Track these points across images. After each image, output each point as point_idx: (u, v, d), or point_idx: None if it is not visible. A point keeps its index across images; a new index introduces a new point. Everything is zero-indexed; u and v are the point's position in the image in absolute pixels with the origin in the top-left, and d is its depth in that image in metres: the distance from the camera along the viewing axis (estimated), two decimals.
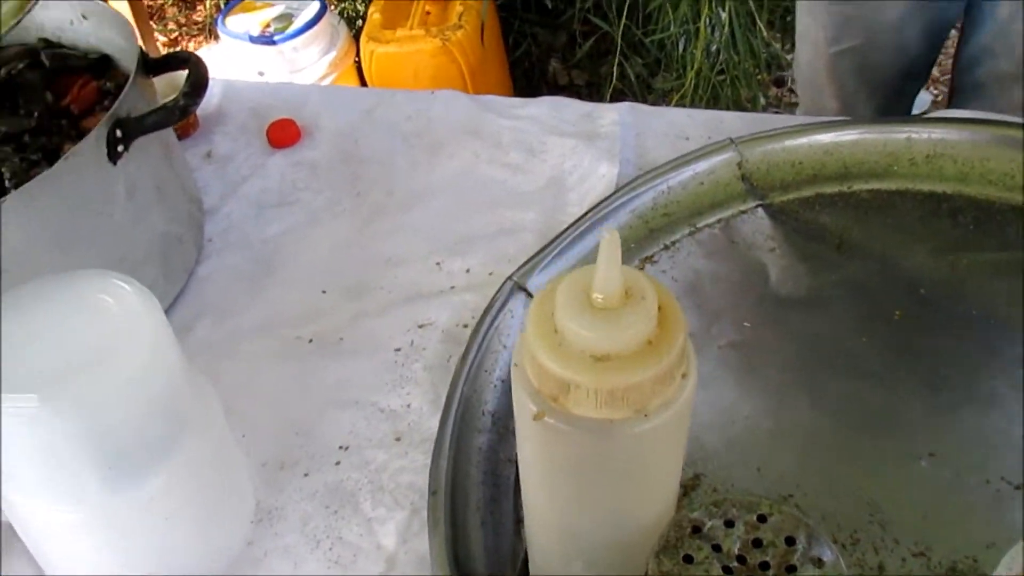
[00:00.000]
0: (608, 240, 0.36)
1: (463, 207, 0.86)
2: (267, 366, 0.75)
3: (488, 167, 0.89)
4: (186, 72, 0.72)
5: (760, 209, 0.79)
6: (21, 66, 0.82)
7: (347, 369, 0.74)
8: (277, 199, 0.89)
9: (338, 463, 0.68)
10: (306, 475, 0.67)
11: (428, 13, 1.89)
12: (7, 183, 0.71)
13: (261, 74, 1.89)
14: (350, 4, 2.11)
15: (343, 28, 1.98)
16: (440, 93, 0.98)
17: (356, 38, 2.00)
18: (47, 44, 0.85)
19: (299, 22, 1.88)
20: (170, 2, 2.40)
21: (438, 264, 0.81)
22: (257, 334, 0.77)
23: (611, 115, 0.90)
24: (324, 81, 1.90)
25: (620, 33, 1.86)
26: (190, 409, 0.56)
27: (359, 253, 0.83)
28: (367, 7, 2.09)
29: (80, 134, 0.78)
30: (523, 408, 0.41)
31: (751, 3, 1.76)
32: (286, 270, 0.82)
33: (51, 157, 0.74)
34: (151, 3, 2.40)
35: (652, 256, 0.78)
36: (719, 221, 0.79)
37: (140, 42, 0.82)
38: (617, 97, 1.95)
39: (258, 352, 0.76)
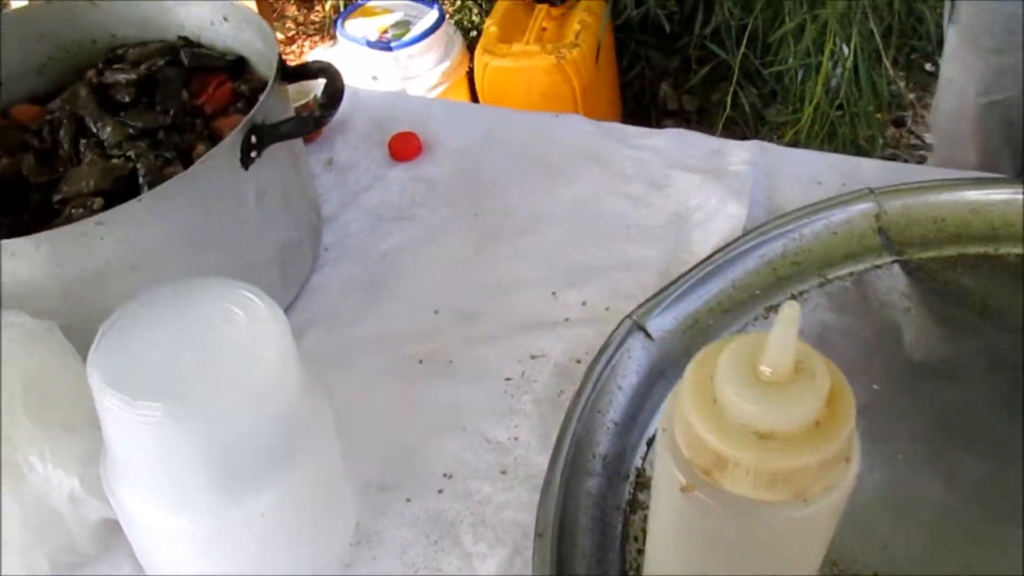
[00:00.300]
0: (788, 312, 0.33)
1: (581, 236, 0.84)
2: (375, 382, 0.74)
3: (609, 197, 0.87)
4: (322, 82, 0.72)
5: (896, 265, 0.76)
6: (161, 63, 0.83)
7: (456, 394, 0.73)
8: (395, 212, 0.88)
9: (441, 491, 0.67)
10: (408, 500, 0.66)
11: (544, 29, 1.88)
12: (141, 179, 0.72)
13: (375, 79, 1.90)
14: (466, 14, 2.12)
15: (458, 38, 1.98)
16: (563, 117, 0.96)
17: (469, 49, 2.00)
18: (186, 43, 0.86)
19: (416, 30, 1.89)
20: (292, 1, 2.44)
21: (553, 294, 0.79)
22: (367, 348, 0.77)
23: (741, 153, 0.87)
24: (436, 90, 1.90)
25: (738, 62, 1.82)
26: (307, 425, 0.55)
27: (473, 275, 0.82)
28: (483, 19, 2.10)
29: (212, 135, 0.79)
30: (669, 477, 0.38)
31: (878, 39, 1.70)
32: (400, 286, 0.82)
33: (184, 156, 0.75)
34: (273, 2, 2.44)
35: (777, 305, 0.75)
36: (851, 274, 0.76)
37: None
38: (728, 126, 1.91)
39: (367, 367, 0.75)
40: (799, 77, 1.82)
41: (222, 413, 0.49)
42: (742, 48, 1.82)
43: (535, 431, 0.69)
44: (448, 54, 1.94)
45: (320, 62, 0.75)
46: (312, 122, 0.70)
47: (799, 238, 0.77)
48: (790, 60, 1.77)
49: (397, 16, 1.94)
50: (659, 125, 2.18)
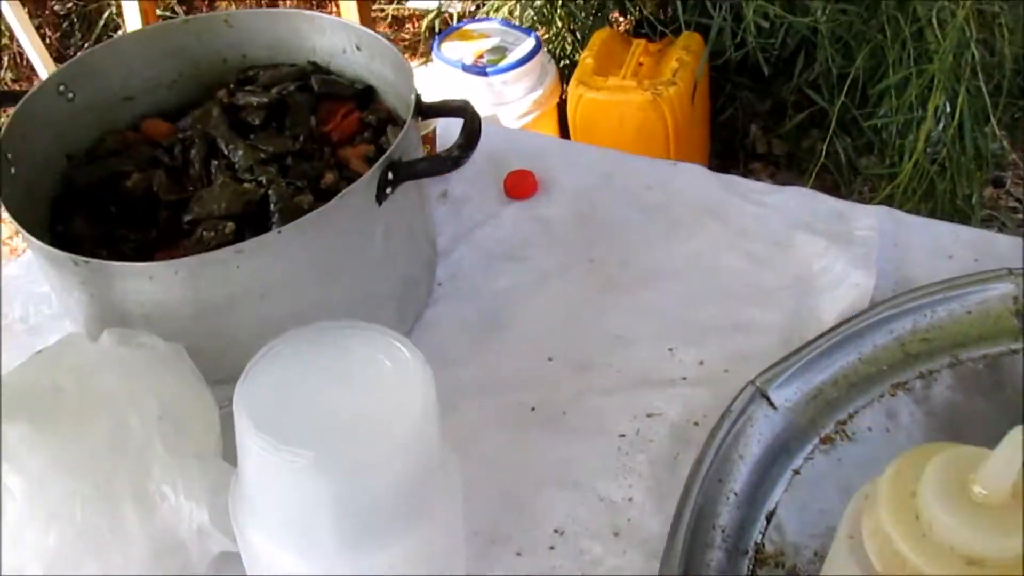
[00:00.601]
0: (1015, 436, 0.31)
1: (699, 292, 0.82)
2: (486, 427, 0.73)
3: (728, 254, 0.85)
4: (460, 121, 0.71)
5: None
6: (292, 87, 0.83)
7: (568, 447, 0.71)
8: (508, 251, 0.88)
9: (552, 548, 0.65)
10: (518, 554, 0.65)
11: (641, 64, 1.87)
12: (272, 207, 0.72)
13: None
14: (559, 44, 2.12)
15: (552, 68, 1.98)
16: (682, 166, 0.95)
17: (562, 78, 2.00)
18: (316, 68, 0.87)
19: (512, 57, 1.89)
20: (387, 20, 2.46)
21: (670, 351, 0.77)
22: (478, 391, 0.76)
23: (868, 219, 0.85)
24: (527, 118, 1.90)
25: (836, 111, 1.79)
26: (440, 479, 0.54)
27: (588, 324, 0.80)
28: (577, 49, 2.10)
29: (339, 163, 0.79)
30: None
31: (986, 98, 1.66)
32: (513, 328, 0.81)
33: (313, 185, 0.75)
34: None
35: (906, 383, 0.72)
36: (985, 357, 0.73)
37: None
38: (819, 175, 1.88)
39: (478, 411, 0.74)
40: (899, 131, 1.78)
41: (367, 466, 0.48)
42: (841, 97, 1.79)
43: (650, 493, 0.68)
44: (541, 83, 1.94)
45: (458, 101, 0.74)
46: (450, 163, 0.69)
47: (931, 315, 0.74)
48: (891, 113, 1.73)
49: (494, 41, 1.95)
50: (747, 167, 2.15)
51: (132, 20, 1.64)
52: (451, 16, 2.28)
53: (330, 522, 0.50)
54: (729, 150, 2.16)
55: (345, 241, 0.68)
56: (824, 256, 0.83)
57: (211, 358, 0.64)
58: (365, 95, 0.85)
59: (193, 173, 0.77)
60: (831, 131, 1.84)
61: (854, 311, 0.76)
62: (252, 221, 0.72)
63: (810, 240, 0.85)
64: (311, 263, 0.67)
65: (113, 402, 0.55)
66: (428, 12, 2.31)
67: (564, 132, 1.95)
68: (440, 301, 0.83)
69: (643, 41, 1.91)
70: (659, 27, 1.89)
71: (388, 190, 0.69)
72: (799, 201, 0.89)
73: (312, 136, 0.80)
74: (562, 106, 1.97)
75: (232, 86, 0.84)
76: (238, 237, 0.70)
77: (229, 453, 0.62)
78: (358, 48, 0.84)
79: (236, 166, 0.76)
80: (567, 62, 2.13)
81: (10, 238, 2.11)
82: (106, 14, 2.35)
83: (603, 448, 0.71)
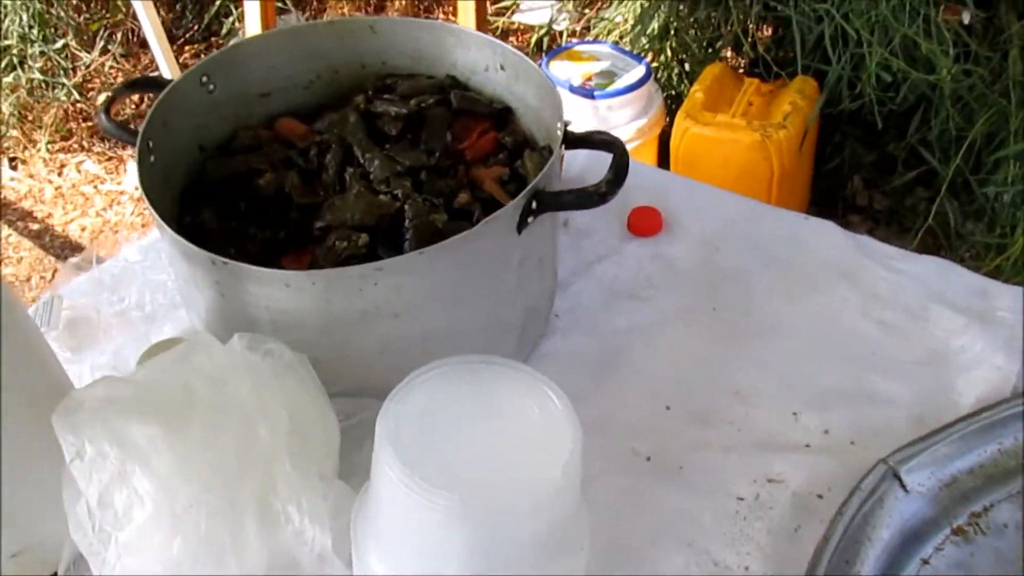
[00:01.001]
0: None
1: (825, 355, 0.79)
2: (599, 471, 0.70)
3: (859, 318, 0.82)
4: (609, 156, 0.69)
5: None
6: (431, 101, 0.82)
7: (684, 502, 0.68)
8: (629, 290, 0.85)
9: None
10: None
11: (751, 104, 1.83)
12: (407, 222, 0.70)
13: (568, 123, 1.89)
14: (665, 73, 2.09)
15: (659, 97, 1.95)
16: (814, 221, 0.91)
17: (665, 108, 1.97)
18: (454, 83, 0.85)
19: (621, 82, 1.87)
20: (496, 32, 2.46)
21: (794, 415, 0.74)
22: (593, 431, 0.71)
23: (1010, 300, 0.81)
24: (628, 145, 1.87)
25: (949, 173, 1.74)
26: (575, 530, 0.52)
27: (709, 375, 0.77)
28: (684, 82, 2.07)
29: (471, 183, 0.77)
30: None
31: None
32: (629, 370, 0.78)
33: (448, 203, 0.74)
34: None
35: None
36: None
37: None
38: (924, 239, 1.82)
39: (591, 453, 0.71)
40: (1014, 201, 1.72)
41: (508, 516, 0.46)
42: (956, 159, 1.73)
43: (768, 564, 0.65)
44: (647, 111, 1.91)
45: (605, 134, 0.72)
46: (596, 198, 0.67)
47: None
48: (1007, 182, 1.67)
49: (603, 65, 1.93)
50: (845, 219, 2.10)
51: (252, 12, 1.65)
52: (559, 34, 2.26)
53: (460, 563, 0.48)
54: (828, 199, 2.11)
55: (483, 267, 0.66)
56: (963, 334, 0.79)
57: (331, 370, 0.63)
58: (502, 115, 0.83)
59: (327, 178, 0.76)
60: (942, 193, 1.78)
61: (995, 397, 0.72)
62: (385, 234, 0.71)
63: (947, 315, 0.81)
64: (448, 286, 0.65)
65: (244, 410, 0.54)
66: (535, 27, 2.30)
67: (663, 163, 1.92)
68: (556, 333, 0.81)
69: (756, 80, 1.87)
70: (774, 68, 1.85)
71: (530, 219, 0.67)
72: (936, 272, 0.85)
73: (447, 152, 0.79)
74: (663, 137, 1.94)
75: (370, 92, 0.83)
76: (370, 250, 0.69)
77: (344, 471, 0.61)
78: (502, 68, 0.82)
79: (371, 176, 0.75)
80: (672, 93, 2.10)
81: (8, 238, 2.15)
82: (219, 1, 2.39)
83: (720, 509, 0.68)
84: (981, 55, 1.70)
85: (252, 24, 1.70)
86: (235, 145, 0.80)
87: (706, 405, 0.75)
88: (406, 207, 0.71)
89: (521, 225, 0.67)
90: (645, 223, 0.90)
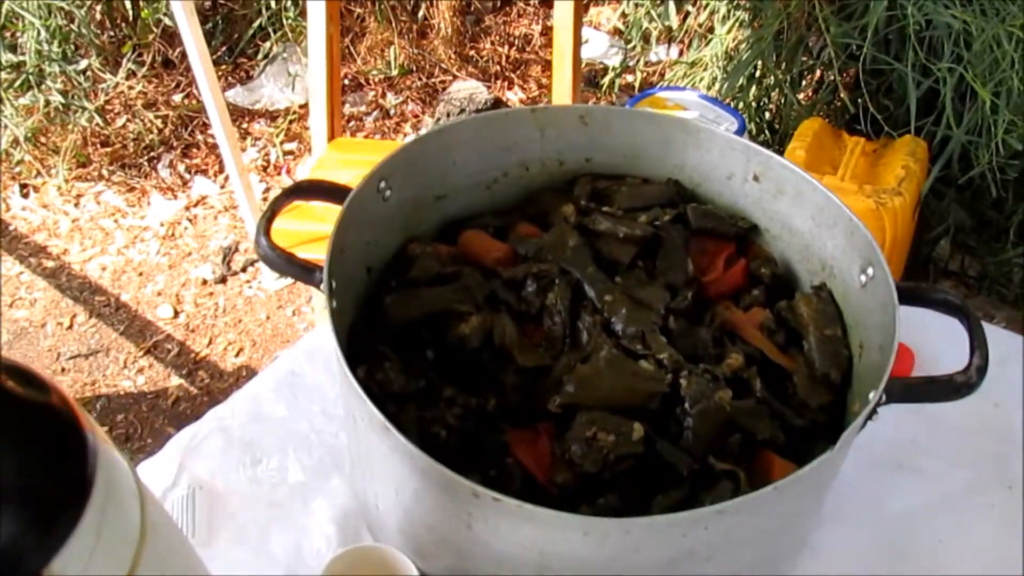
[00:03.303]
0: None
1: None
2: None
3: None
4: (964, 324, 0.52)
5: None
6: (667, 218, 0.64)
7: None
8: (894, 458, 0.67)
9: None
10: None
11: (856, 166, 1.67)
12: (688, 406, 0.52)
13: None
14: (753, 125, 1.92)
15: None
16: None
17: None
18: (678, 190, 0.67)
19: None
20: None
21: None
22: None
23: None
24: None
25: None
26: None
27: None
28: (774, 136, 1.90)
29: (728, 331, 0.59)
30: None
31: None
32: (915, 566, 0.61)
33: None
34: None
35: None
36: None
37: None
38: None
39: None
40: None
41: None
42: None
43: None
44: None
45: (948, 292, 0.54)
46: (964, 389, 0.49)
47: None
48: None
49: (691, 115, 1.75)
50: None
51: (315, 39, 1.45)
52: (631, 71, 2.07)
53: None
54: (917, 263, 1.95)
55: (814, 495, 0.48)
56: None
57: None
58: (745, 235, 0.66)
59: (552, 327, 0.58)
60: None
61: None
62: (651, 417, 0.53)
63: None
64: (778, 519, 0.47)
65: None
66: (609, 68, 2.10)
67: None
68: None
69: (861, 139, 1.71)
70: (885, 128, 1.69)
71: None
72: None
73: (698, 289, 0.61)
74: None
75: (584, 202, 0.65)
76: (647, 446, 0.51)
77: None
78: (755, 179, 0.64)
79: (617, 329, 0.57)
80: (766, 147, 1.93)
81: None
82: (256, 23, 2.19)
83: None
84: None
85: (316, 46, 1.49)
86: (416, 273, 0.61)
87: None
88: (682, 382, 0.53)
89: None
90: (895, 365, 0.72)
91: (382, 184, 0.61)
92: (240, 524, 0.59)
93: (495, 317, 0.58)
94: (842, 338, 0.59)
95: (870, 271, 0.55)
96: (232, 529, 0.58)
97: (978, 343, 0.50)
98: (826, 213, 0.60)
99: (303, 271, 0.54)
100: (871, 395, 0.49)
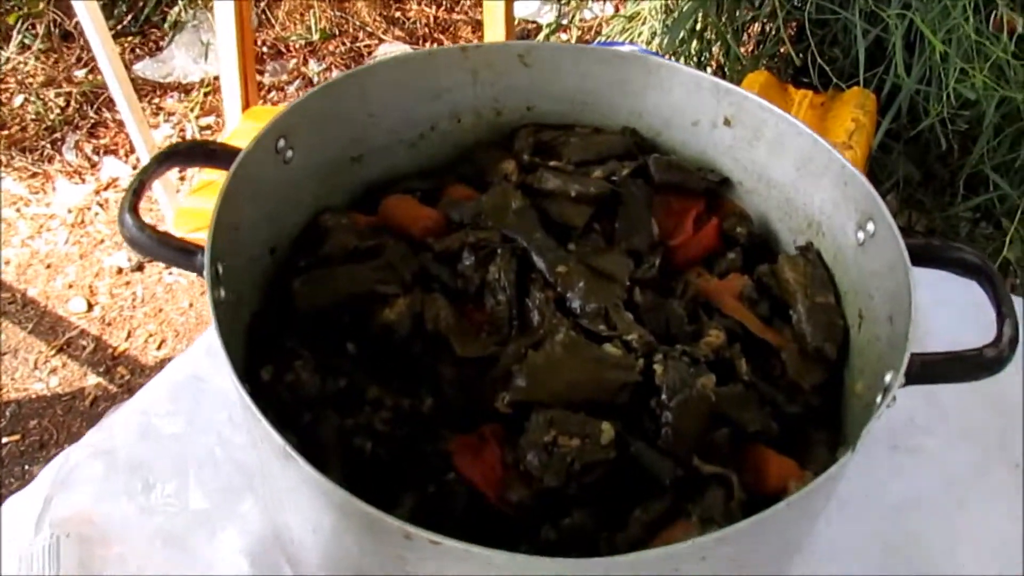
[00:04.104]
0: None
1: None
2: None
3: None
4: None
5: None
6: (625, 172, 0.54)
7: None
8: (889, 440, 0.59)
9: None
10: None
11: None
12: (665, 396, 0.43)
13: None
14: None
15: None
16: None
17: None
18: (636, 139, 0.58)
19: None
20: None
21: None
22: None
23: None
24: None
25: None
26: None
27: None
28: None
29: (702, 303, 0.50)
30: None
31: None
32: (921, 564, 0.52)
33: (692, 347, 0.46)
34: None
35: None
36: None
37: None
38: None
39: None
40: None
41: None
42: None
43: None
44: None
45: (970, 252, 0.45)
46: (995, 366, 0.41)
47: None
48: None
49: None
50: None
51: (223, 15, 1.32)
52: (566, 29, 1.97)
53: None
54: None
55: (823, 502, 0.40)
56: None
57: None
58: (715, 190, 0.56)
59: (496, 308, 0.48)
60: (1013, 227, 1.58)
61: None
62: (621, 412, 0.43)
63: None
64: (781, 541, 0.38)
65: None
66: (541, 25, 2.01)
67: None
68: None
69: (809, 92, 1.63)
70: (833, 79, 1.61)
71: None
72: None
73: (665, 254, 0.52)
74: None
75: (527, 157, 0.55)
76: (619, 449, 0.41)
77: None
78: (726, 123, 0.55)
79: (575, 308, 0.47)
80: None
81: None
82: None
83: None
84: None
85: (224, 17, 1.36)
86: (329, 249, 0.51)
87: None
88: (656, 368, 0.43)
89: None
90: None
91: (281, 143, 0.50)
92: (128, 570, 0.48)
93: (426, 298, 0.48)
94: (836, 306, 0.50)
95: (870, 227, 0.46)
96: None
97: (1006, 310, 0.41)
98: (814, 161, 0.51)
99: (180, 254, 0.43)
100: (888, 376, 0.40)
